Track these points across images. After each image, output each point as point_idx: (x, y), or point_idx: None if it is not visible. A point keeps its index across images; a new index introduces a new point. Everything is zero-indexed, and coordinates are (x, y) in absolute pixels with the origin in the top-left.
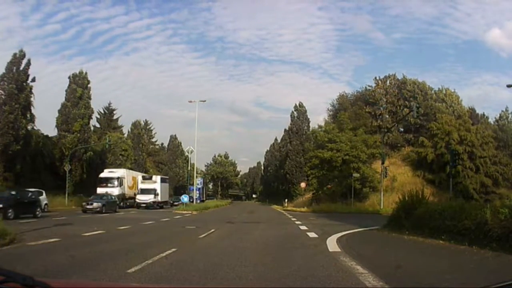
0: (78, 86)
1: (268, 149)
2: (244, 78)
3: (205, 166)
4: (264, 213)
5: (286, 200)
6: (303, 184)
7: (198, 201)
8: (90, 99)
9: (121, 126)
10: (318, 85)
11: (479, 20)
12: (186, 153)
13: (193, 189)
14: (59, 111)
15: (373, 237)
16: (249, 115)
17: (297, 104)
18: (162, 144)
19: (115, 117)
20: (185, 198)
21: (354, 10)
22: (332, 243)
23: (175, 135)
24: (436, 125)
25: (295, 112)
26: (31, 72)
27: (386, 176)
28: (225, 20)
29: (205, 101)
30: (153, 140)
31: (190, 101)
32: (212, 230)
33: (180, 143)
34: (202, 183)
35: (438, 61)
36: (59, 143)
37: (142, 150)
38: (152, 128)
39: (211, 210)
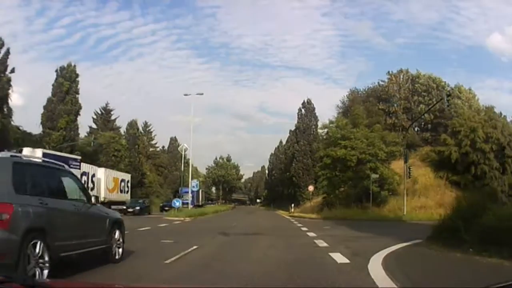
0: (66, 80)
1: (273, 152)
2: (248, 84)
3: (206, 169)
4: (268, 220)
5: (292, 205)
6: (311, 188)
7: (191, 206)
8: (77, 93)
9: (119, 127)
10: (323, 91)
11: (482, 25)
12: (179, 151)
13: (187, 192)
14: (44, 106)
15: (434, 260)
16: (253, 120)
17: (305, 101)
18: (163, 147)
19: (112, 117)
20: (176, 203)
21: (357, 16)
22: (381, 278)
23: (175, 137)
24: (458, 121)
25: (302, 110)
26: (18, 67)
27: (409, 177)
28: (229, 26)
29: (202, 94)
30: (153, 142)
31: (186, 95)
32: (194, 247)
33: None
34: (197, 185)
35: (441, 66)
36: (43, 141)
37: (138, 151)
38: (152, 130)
39: (209, 216)
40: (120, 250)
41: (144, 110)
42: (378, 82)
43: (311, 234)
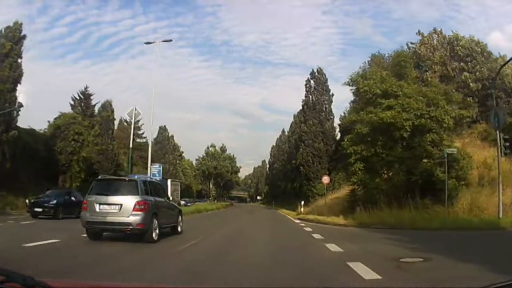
0: (8, 41)
1: (274, 144)
2: (249, 81)
3: (196, 160)
4: (266, 228)
5: (302, 203)
6: (326, 179)
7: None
8: (20, 58)
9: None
10: None
11: (482, 23)
12: (129, 118)
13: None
14: None
15: None
16: (254, 118)
17: (315, 71)
18: (155, 139)
19: (93, 102)
20: None
21: (357, 14)
22: None
23: (164, 126)
24: None
25: (311, 81)
26: None
27: (506, 154)
28: (230, 24)
29: (171, 40)
30: (140, 132)
31: (148, 43)
32: None
33: (172, 136)
34: (160, 172)
35: None
36: None
37: (112, 137)
38: (139, 119)
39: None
40: (180, 226)
41: (145, 106)
42: (407, 44)
43: None
